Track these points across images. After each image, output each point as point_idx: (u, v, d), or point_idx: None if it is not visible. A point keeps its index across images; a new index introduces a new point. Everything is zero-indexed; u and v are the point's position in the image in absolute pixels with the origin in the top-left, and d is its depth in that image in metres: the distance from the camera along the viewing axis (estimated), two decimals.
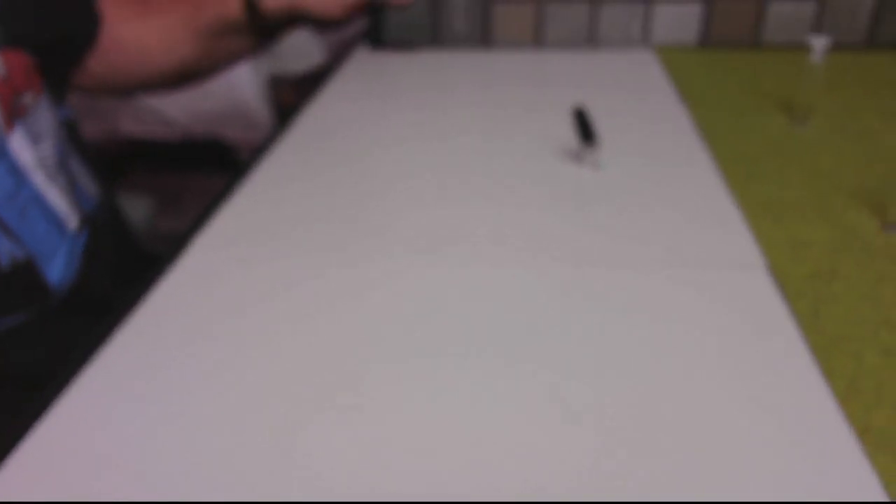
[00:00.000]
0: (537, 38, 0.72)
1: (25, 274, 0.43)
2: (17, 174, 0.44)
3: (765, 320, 0.33)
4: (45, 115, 0.48)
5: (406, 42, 0.72)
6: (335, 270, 0.37)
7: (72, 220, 0.47)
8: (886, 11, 0.68)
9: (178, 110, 0.81)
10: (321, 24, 0.66)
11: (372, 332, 0.32)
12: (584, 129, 0.47)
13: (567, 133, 0.48)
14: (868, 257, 0.38)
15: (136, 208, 0.69)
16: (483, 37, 0.72)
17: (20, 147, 0.45)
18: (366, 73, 0.69)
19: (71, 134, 0.52)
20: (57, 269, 0.45)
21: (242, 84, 1.11)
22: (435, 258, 0.38)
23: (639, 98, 0.60)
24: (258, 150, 0.51)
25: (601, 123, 0.47)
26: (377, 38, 0.73)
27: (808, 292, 0.35)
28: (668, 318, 0.33)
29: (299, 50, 1.29)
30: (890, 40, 0.69)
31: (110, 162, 1.16)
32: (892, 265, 0.37)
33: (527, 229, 0.41)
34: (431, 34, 0.72)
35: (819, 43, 0.51)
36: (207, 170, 1.13)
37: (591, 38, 0.71)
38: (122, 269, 0.51)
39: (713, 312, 0.33)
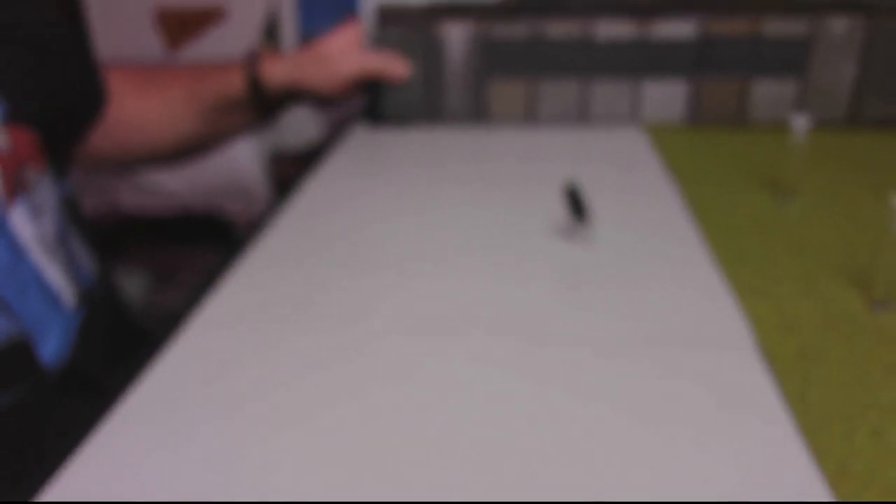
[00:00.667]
0: (530, 115, 0.74)
1: (19, 351, 0.43)
2: (16, 249, 0.44)
3: (754, 400, 0.33)
4: (46, 191, 0.49)
5: (403, 119, 0.75)
6: (331, 351, 0.37)
7: (69, 296, 0.48)
8: (865, 91, 0.70)
9: (178, 184, 0.83)
10: (321, 101, 0.68)
11: (371, 416, 0.32)
12: (576, 205, 0.48)
13: (559, 208, 0.49)
14: (856, 336, 0.38)
15: (133, 283, 0.70)
16: (478, 113, 0.74)
17: (21, 222, 0.45)
18: (363, 148, 0.71)
19: (71, 209, 0.53)
20: (51, 345, 0.45)
21: (242, 158, 1.14)
22: (429, 337, 0.38)
23: (629, 174, 0.62)
24: (256, 226, 0.52)
25: (592, 199, 0.48)
26: (375, 114, 0.75)
27: (797, 372, 0.35)
28: (658, 397, 0.33)
29: (299, 125, 1.32)
30: (870, 118, 0.71)
31: (109, 236, 1.17)
32: (880, 345, 0.37)
33: (518, 306, 0.41)
34: (428, 111, 0.75)
35: (800, 122, 0.53)
36: (205, 244, 1.14)
37: (582, 116, 0.74)
38: (116, 346, 0.51)
39: (703, 392, 0.33)
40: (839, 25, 0.68)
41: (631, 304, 0.41)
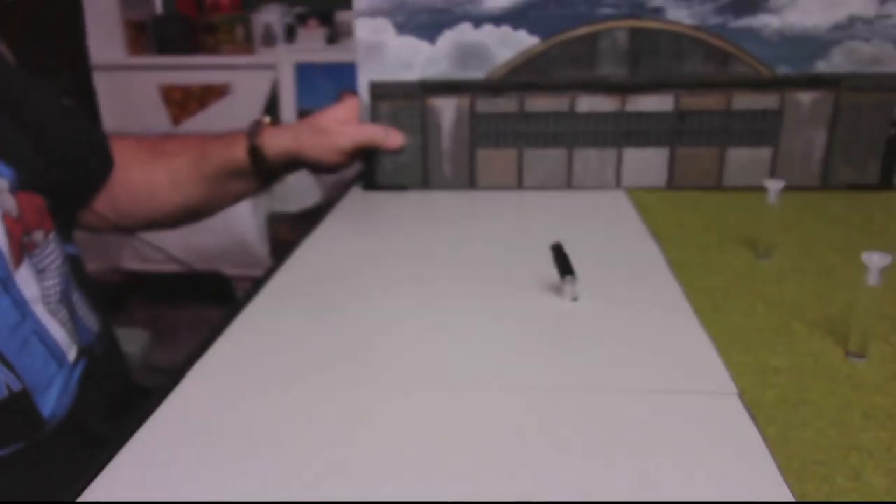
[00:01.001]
0: (517, 182, 0.78)
1: (20, 405, 0.43)
2: (20, 307, 0.46)
3: (737, 445, 0.34)
4: (52, 252, 0.51)
5: (397, 187, 0.78)
6: (326, 406, 0.38)
7: (70, 352, 0.49)
8: (835, 158, 0.74)
9: (178, 246, 0.85)
10: (319, 169, 0.71)
11: (361, 470, 0.33)
12: (562, 264, 0.50)
13: (546, 267, 0.51)
14: (834, 384, 0.39)
15: (133, 341, 0.71)
16: (468, 180, 0.78)
17: (26, 282, 0.47)
18: (359, 210, 0.74)
19: (75, 268, 0.55)
20: (51, 400, 0.46)
21: (242, 221, 1.17)
22: (422, 391, 0.40)
23: (612, 234, 0.64)
24: (255, 285, 0.54)
25: (578, 257, 0.50)
26: (370, 182, 0.78)
27: (778, 418, 0.36)
28: (644, 445, 0.34)
29: (298, 189, 1.36)
30: (840, 183, 0.75)
31: (111, 295, 1.18)
32: (857, 391, 0.39)
33: (508, 357, 0.42)
34: (422, 178, 0.78)
35: (773, 185, 0.56)
36: (205, 302, 1.16)
37: (566, 182, 0.77)
38: (115, 401, 0.52)
39: (687, 438, 0.35)
40: (806, 99, 0.73)
41: (618, 354, 0.43)
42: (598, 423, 0.36)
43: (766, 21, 0.71)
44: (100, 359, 0.52)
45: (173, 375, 0.41)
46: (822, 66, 0.72)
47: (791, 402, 0.38)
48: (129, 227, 0.66)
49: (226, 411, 0.38)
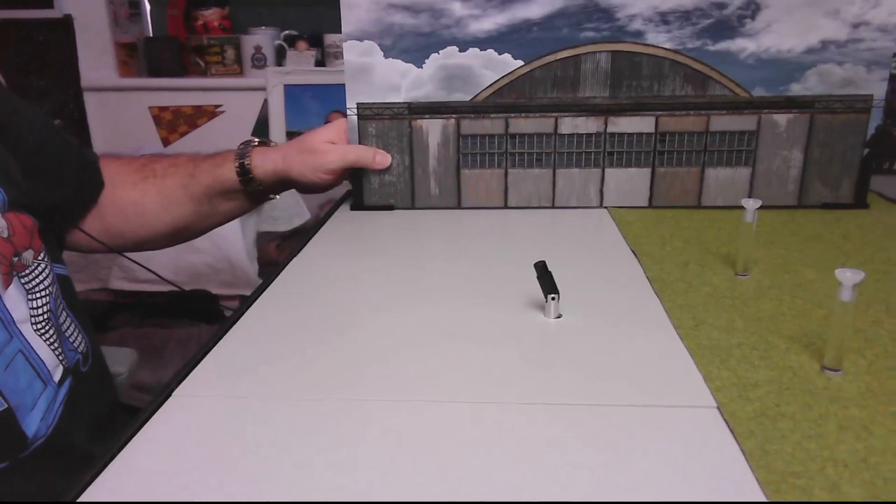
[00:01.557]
0: (502, 201, 0.79)
1: (4, 425, 0.43)
2: (8, 327, 0.46)
3: (717, 458, 0.35)
4: (41, 272, 0.51)
5: (385, 204, 0.79)
6: (315, 419, 0.39)
7: (56, 371, 0.49)
8: (811, 177, 0.76)
9: (167, 266, 0.85)
10: (307, 189, 0.72)
11: (351, 483, 0.34)
12: (546, 282, 0.51)
13: (531, 285, 0.52)
14: (811, 397, 0.40)
15: (120, 360, 0.71)
16: (454, 199, 0.79)
17: (14, 302, 0.47)
18: (347, 230, 0.74)
19: (64, 288, 0.55)
20: (35, 420, 0.46)
21: (230, 241, 1.17)
22: (412, 403, 0.40)
23: (595, 252, 0.66)
24: (243, 304, 0.54)
25: (562, 275, 0.51)
26: (359, 200, 0.79)
27: (757, 431, 0.37)
28: (625, 458, 0.35)
29: (286, 209, 1.37)
30: (816, 201, 0.77)
31: (98, 314, 1.18)
32: (833, 404, 0.40)
33: (494, 373, 0.43)
34: (409, 197, 0.79)
35: (750, 204, 0.57)
36: (193, 321, 1.15)
37: (551, 201, 0.78)
38: (101, 420, 0.52)
39: (667, 450, 0.35)
40: (782, 120, 0.75)
41: (598, 370, 0.43)
42: (582, 437, 0.36)
43: (743, 45, 0.73)
44: (86, 378, 0.52)
45: (159, 394, 0.41)
46: (797, 89, 0.74)
47: (769, 415, 0.39)
48: (119, 248, 0.66)
49: (212, 430, 0.38)
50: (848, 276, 0.41)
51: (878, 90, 0.74)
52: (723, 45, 0.73)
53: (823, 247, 0.65)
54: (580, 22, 0.73)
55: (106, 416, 0.54)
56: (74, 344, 0.53)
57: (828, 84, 0.74)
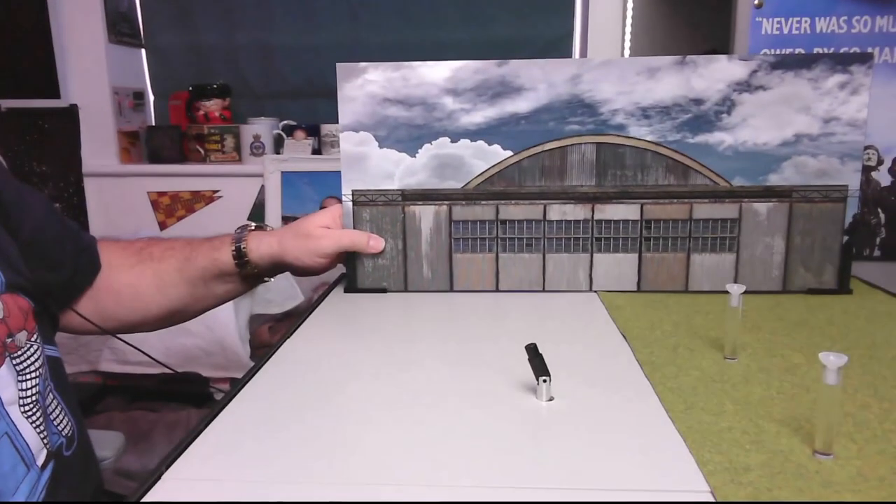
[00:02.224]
0: (494, 284, 0.80)
1: None
2: None
3: None
4: (33, 353, 0.51)
5: (378, 287, 0.80)
6: None
7: (39, 455, 0.48)
8: (793, 264, 0.79)
9: (158, 348, 0.85)
10: (302, 271, 0.73)
11: None
12: (537, 365, 0.52)
13: (522, 367, 0.52)
14: (803, 481, 0.40)
15: (107, 444, 0.69)
16: (446, 283, 0.80)
17: (4, 383, 0.47)
18: (340, 312, 0.75)
19: (54, 370, 0.55)
20: (18, 500, 0.45)
21: (223, 323, 1.17)
22: (405, 486, 0.40)
23: (585, 334, 0.66)
24: (234, 386, 0.54)
25: (553, 358, 0.51)
26: (352, 283, 0.80)
27: None
28: None
29: (280, 291, 1.38)
30: (799, 287, 0.79)
31: (87, 397, 1.16)
32: (826, 489, 0.40)
33: (486, 457, 0.43)
34: (402, 280, 0.80)
35: (734, 289, 0.59)
36: (183, 404, 1.13)
37: (542, 285, 0.80)
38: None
39: None
40: (762, 208, 0.78)
41: (591, 453, 0.43)
42: None
43: (721, 138, 0.77)
44: (69, 463, 0.51)
45: (147, 479, 0.41)
46: (774, 179, 0.78)
47: (762, 499, 0.38)
48: (112, 330, 0.67)
49: None
50: (832, 360, 0.42)
51: (853, 181, 0.77)
52: (701, 138, 0.77)
53: (809, 331, 0.66)
54: (565, 116, 0.77)
55: (89, 501, 0.52)
56: (59, 427, 0.52)
57: (804, 175, 0.77)
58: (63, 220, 0.63)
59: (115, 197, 1.94)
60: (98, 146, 1.93)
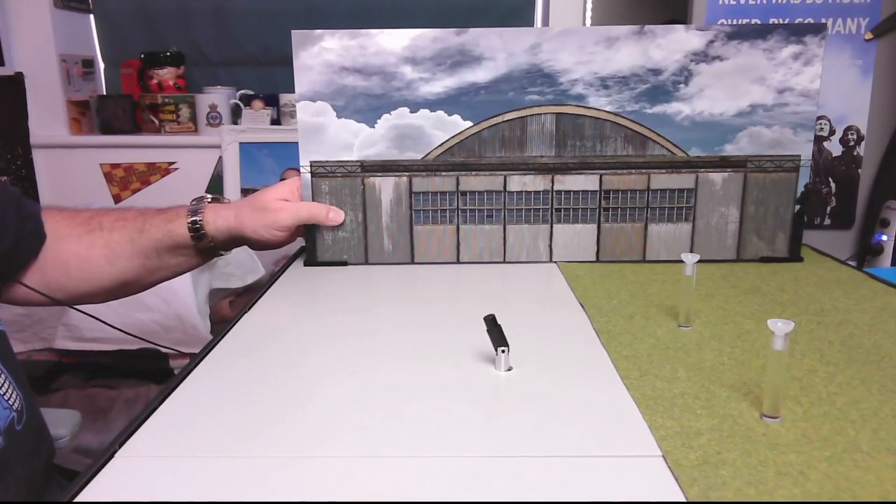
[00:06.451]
0: (454, 256, 0.80)
1: None
2: None
3: None
4: None
5: (338, 260, 0.79)
6: (260, 484, 0.38)
7: None
8: (747, 233, 0.80)
9: (115, 324, 0.83)
10: (260, 245, 0.72)
11: None
12: (496, 335, 0.52)
13: (482, 338, 0.53)
14: (750, 444, 0.42)
15: (63, 423, 0.68)
16: (407, 255, 0.80)
17: None
18: (300, 286, 0.74)
19: (0, 345, 0.53)
20: None
21: (182, 298, 1.15)
22: (363, 457, 0.40)
23: (545, 306, 0.67)
24: (192, 361, 0.53)
25: (512, 328, 0.52)
26: (312, 256, 0.79)
27: (699, 478, 0.38)
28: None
29: (239, 266, 1.35)
30: (753, 255, 0.81)
31: (41, 375, 1.13)
32: (772, 451, 0.41)
33: (445, 426, 0.43)
34: (362, 253, 0.80)
35: (689, 258, 0.60)
36: (141, 380, 1.11)
37: (502, 256, 0.80)
38: (35, 483, 0.49)
39: (614, 500, 0.36)
40: (718, 178, 0.79)
41: (547, 421, 0.44)
42: (531, 488, 0.37)
43: (679, 108, 0.78)
44: (20, 437, 0.50)
45: (101, 456, 0.40)
46: (730, 149, 0.79)
47: (712, 462, 0.40)
48: (60, 301, 0.65)
49: (154, 493, 0.37)
50: (779, 326, 0.43)
51: (805, 151, 0.79)
52: (659, 108, 0.78)
53: (761, 299, 0.68)
54: (525, 86, 0.77)
55: (42, 480, 0.51)
56: (9, 401, 0.51)
57: (758, 145, 0.79)
58: (2, 186, 0.60)
59: (66, 169, 1.87)
60: (46, 116, 1.85)
